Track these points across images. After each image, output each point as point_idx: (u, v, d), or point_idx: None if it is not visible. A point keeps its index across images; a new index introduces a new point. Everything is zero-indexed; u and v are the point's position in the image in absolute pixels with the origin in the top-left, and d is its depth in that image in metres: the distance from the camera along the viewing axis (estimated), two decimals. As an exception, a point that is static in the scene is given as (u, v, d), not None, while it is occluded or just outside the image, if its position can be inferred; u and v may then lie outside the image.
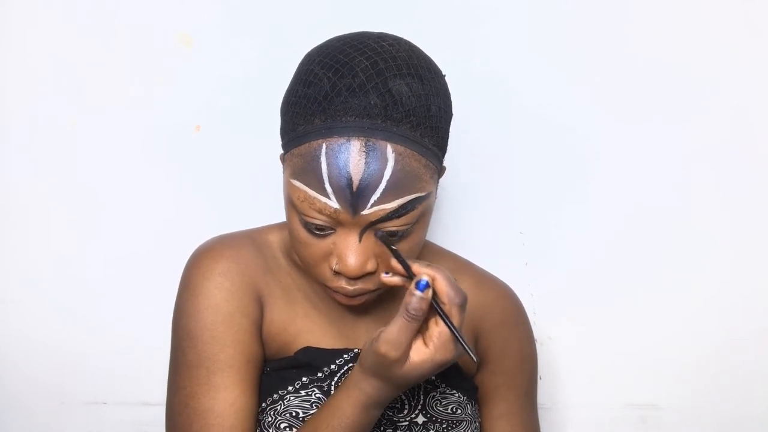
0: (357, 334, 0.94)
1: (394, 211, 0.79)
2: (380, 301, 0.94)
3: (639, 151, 1.19)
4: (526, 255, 1.21)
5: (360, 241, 0.80)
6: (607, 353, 1.21)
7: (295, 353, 0.91)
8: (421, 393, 0.91)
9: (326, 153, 0.78)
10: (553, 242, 1.20)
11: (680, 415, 1.21)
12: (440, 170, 0.85)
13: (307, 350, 0.91)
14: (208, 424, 0.85)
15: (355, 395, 0.80)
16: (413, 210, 0.80)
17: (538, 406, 1.02)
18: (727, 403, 1.21)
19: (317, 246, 0.82)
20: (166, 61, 1.18)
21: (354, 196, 0.78)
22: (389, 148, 0.78)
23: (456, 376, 0.93)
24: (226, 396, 0.86)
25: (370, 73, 0.78)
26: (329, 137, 0.78)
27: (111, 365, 1.21)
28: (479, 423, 0.95)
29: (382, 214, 0.79)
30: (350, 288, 0.83)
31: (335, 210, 0.78)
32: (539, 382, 1.03)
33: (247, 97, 1.18)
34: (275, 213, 1.15)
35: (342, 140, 0.77)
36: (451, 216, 1.21)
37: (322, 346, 0.91)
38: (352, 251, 0.80)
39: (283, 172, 0.85)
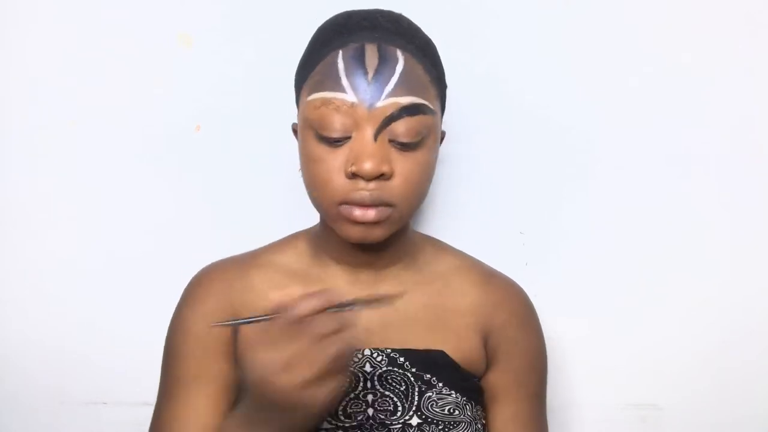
0: None
1: (405, 107, 0.83)
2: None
3: (639, 150, 1.19)
4: (526, 255, 1.21)
5: (375, 141, 0.83)
6: (608, 353, 1.21)
7: None
8: (416, 394, 0.90)
9: (342, 57, 0.84)
10: (553, 242, 1.20)
11: (680, 415, 1.21)
12: (442, 109, 0.91)
13: None
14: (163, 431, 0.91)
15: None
16: (423, 114, 0.84)
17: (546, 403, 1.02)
18: (727, 403, 1.21)
19: (332, 158, 0.84)
20: (166, 61, 1.18)
21: (370, 86, 0.82)
22: (399, 52, 0.85)
23: (454, 375, 0.92)
24: (187, 411, 0.90)
25: (379, 13, 0.89)
26: (345, 46, 0.85)
27: (111, 365, 1.21)
28: (481, 425, 0.93)
29: (396, 107, 0.82)
30: (366, 193, 0.83)
31: (352, 104, 0.82)
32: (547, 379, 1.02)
33: (247, 97, 1.18)
34: (275, 213, 1.15)
35: (357, 45, 0.85)
36: (451, 216, 1.20)
37: None
38: (368, 149, 0.83)
39: (298, 116, 0.89)
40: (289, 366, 0.69)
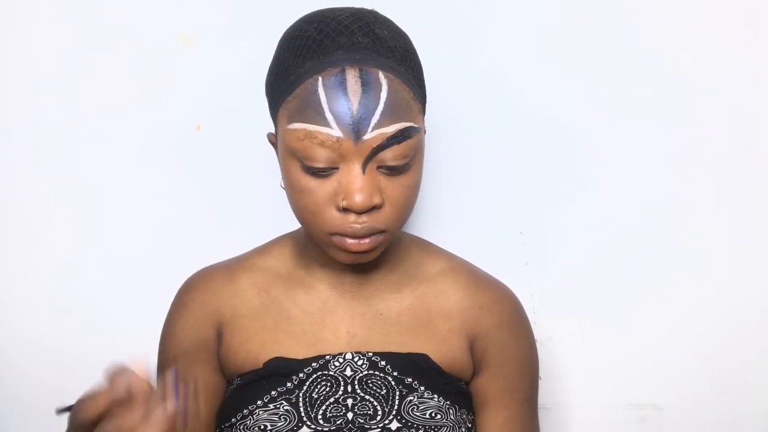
0: (330, 341, 0.93)
1: (392, 136, 0.81)
2: (360, 299, 0.94)
3: (639, 150, 1.18)
4: (526, 255, 1.21)
5: (364, 173, 0.81)
6: (607, 353, 1.21)
7: (264, 364, 0.91)
8: (397, 397, 0.89)
9: (323, 85, 0.80)
10: (553, 242, 1.20)
11: (680, 415, 1.21)
12: (423, 116, 0.88)
13: (276, 360, 0.91)
14: None
15: None
16: (410, 138, 0.82)
17: (539, 406, 1.01)
18: (727, 403, 1.21)
19: (320, 189, 0.83)
20: (166, 61, 1.18)
21: (355, 120, 0.79)
22: (381, 75, 0.81)
23: (437, 379, 0.91)
24: None
25: (352, 19, 0.83)
26: (323, 71, 0.81)
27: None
28: (466, 429, 0.92)
29: (382, 138, 0.80)
30: (359, 226, 0.83)
31: (338, 139, 0.80)
32: (539, 383, 1.02)
33: (247, 97, 1.18)
34: (275, 212, 1.15)
35: (336, 71, 0.80)
36: (451, 216, 1.20)
37: (291, 356, 0.91)
38: (357, 183, 0.81)
39: (277, 134, 0.87)
40: None
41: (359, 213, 0.82)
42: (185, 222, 1.20)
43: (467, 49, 1.17)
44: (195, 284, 0.98)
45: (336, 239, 0.84)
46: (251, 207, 1.20)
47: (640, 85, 1.17)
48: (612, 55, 1.17)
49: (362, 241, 0.84)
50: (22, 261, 1.21)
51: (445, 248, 1.02)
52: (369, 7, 0.88)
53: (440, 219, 1.20)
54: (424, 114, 0.88)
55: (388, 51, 0.83)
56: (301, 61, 0.82)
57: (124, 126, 1.19)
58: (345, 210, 0.82)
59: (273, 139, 0.90)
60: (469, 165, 1.20)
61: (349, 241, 0.84)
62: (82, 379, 1.22)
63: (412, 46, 0.88)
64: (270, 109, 0.88)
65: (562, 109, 1.18)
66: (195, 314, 0.96)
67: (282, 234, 1.01)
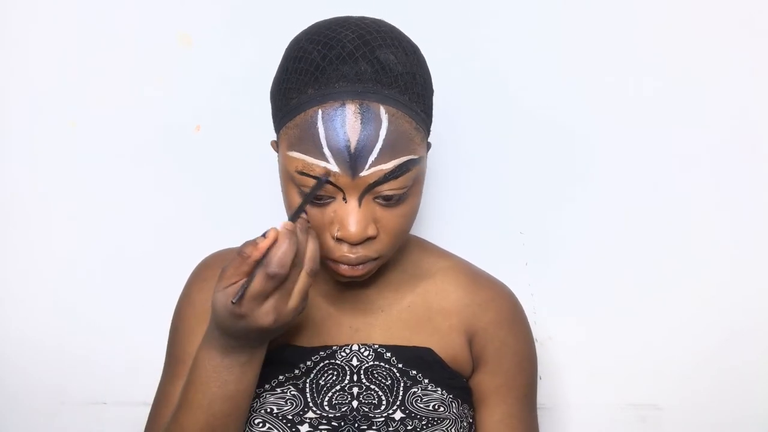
0: (333, 334, 0.94)
1: (390, 171, 0.81)
2: (361, 296, 0.95)
3: (639, 150, 1.19)
4: (526, 255, 1.21)
5: (360, 206, 0.82)
6: (607, 353, 1.21)
7: (273, 350, 0.92)
8: (401, 389, 0.91)
9: (322, 118, 0.80)
10: (553, 242, 1.20)
11: (680, 415, 1.21)
12: (428, 140, 0.88)
13: (284, 348, 0.92)
14: (166, 406, 0.92)
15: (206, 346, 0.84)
16: (408, 172, 0.82)
17: (538, 406, 1.02)
18: (727, 403, 1.21)
19: (317, 217, 0.84)
20: (166, 61, 1.18)
21: (352, 157, 0.80)
22: (382, 110, 0.81)
23: (441, 373, 0.93)
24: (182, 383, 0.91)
25: (357, 44, 0.82)
26: (324, 103, 0.80)
27: (111, 365, 1.21)
28: (468, 423, 0.94)
29: (379, 174, 0.81)
30: (353, 256, 0.84)
31: (334, 174, 0.80)
32: (539, 382, 1.02)
33: (247, 97, 1.18)
34: (275, 212, 1.15)
35: (337, 104, 0.80)
36: (451, 216, 1.21)
37: (298, 344, 0.93)
38: (353, 216, 0.82)
39: (278, 152, 0.87)
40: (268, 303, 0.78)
41: (354, 244, 0.83)
42: (185, 222, 1.21)
43: (468, 49, 1.17)
44: (212, 263, 0.99)
45: (330, 263, 0.86)
46: (251, 207, 1.20)
47: (641, 86, 1.17)
48: (612, 56, 1.17)
49: (356, 268, 0.86)
50: (22, 261, 1.21)
51: (444, 248, 1.03)
52: (375, 16, 0.87)
53: (440, 219, 1.20)
54: (428, 135, 0.88)
55: (392, 80, 0.82)
56: (302, 86, 0.82)
57: (124, 126, 1.19)
58: (339, 240, 0.83)
59: (275, 148, 0.90)
60: (469, 165, 1.20)
61: (343, 267, 0.85)
62: (82, 379, 1.23)
63: (421, 65, 0.86)
64: (273, 119, 0.89)
65: (562, 109, 1.18)
66: (206, 294, 0.94)
67: None
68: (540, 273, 1.20)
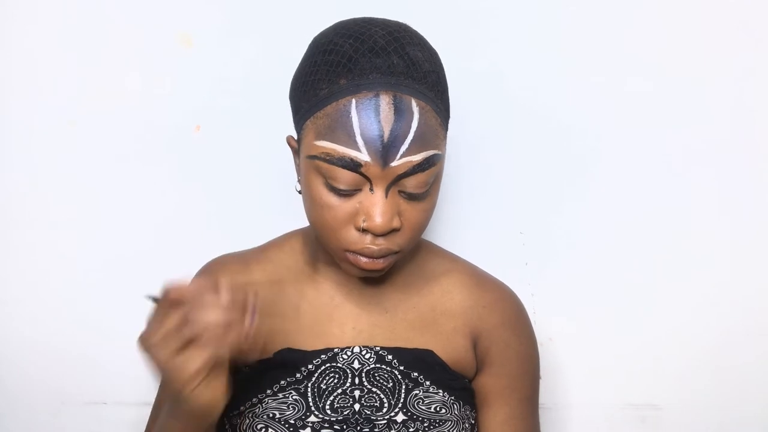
0: (336, 336, 0.94)
1: (418, 164, 0.82)
2: (367, 297, 0.95)
3: (639, 150, 1.19)
4: (526, 255, 1.21)
5: (386, 197, 0.83)
6: (607, 353, 1.21)
7: (273, 354, 0.92)
8: (403, 391, 0.91)
9: (356, 108, 0.81)
10: (553, 242, 1.21)
11: (680, 415, 1.21)
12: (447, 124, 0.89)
13: (286, 351, 0.92)
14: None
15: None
16: (433, 166, 0.84)
17: (539, 405, 1.02)
18: (727, 403, 1.21)
19: (341, 208, 0.84)
20: (166, 61, 1.18)
21: (385, 147, 0.81)
22: (414, 103, 0.82)
23: (442, 375, 0.93)
24: None
25: (388, 39, 0.83)
26: (358, 93, 0.81)
27: (111, 365, 1.21)
28: (470, 425, 0.94)
29: (408, 166, 0.82)
30: (375, 248, 0.84)
31: (365, 163, 0.81)
32: (540, 382, 1.02)
33: (247, 97, 1.18)
34: (275, 212, 1.15)
35: (371, 95, 0.81)
36: (451, 216, 1.21)
37: (299, 348, 0.93)
38: (379, 207, 0.83)
39: (299, 146, 0.88)
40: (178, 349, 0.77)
41: (378, 235, 0.84)
42: (185, 222, 1.20)
43: (468, 49, 1.17)
44: (214, 268, 0.99)
45: (350, 256, 0.86)
46: (251, 207, 1.20)
47: (641, 86, 1.17)
48: (612, 55, 1.17)
49: (376, 261, 0.86)
50: (22, 261, 1.21)
51: (444, 248, 1.03)
52: (377, 16, 0.88)
53: (441, 219, 1.20)
54: (447, 134, 0.89)
55: (422, 76, 0.83)
56: (334, 77, 0.83)
57: (124, 126, 1.19)
58: (364, 231, 0.84)
59: (293, 144, 0.91)
60: (469, 165, 1.20)
61: (363, 259, 0.86)
62: (82, 379, 1.23)
63: (441, 67, 0.88)
64: (294, 116, 0.89)
65: (563, 109, 1.18)
66: None
67: (293, 230, 1.02)
68: (540, 273, 1.20)
